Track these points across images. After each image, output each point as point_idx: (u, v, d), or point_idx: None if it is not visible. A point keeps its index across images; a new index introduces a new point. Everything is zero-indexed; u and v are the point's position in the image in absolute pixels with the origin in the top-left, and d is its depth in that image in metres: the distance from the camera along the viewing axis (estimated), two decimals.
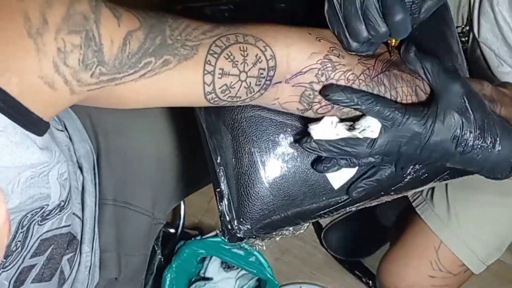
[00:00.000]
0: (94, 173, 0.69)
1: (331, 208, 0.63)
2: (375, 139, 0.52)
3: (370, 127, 0.53)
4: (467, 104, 0.52)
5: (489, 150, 0.53)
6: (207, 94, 0.49)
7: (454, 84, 0.52)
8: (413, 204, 0.97)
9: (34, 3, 0.39)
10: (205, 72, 0.47)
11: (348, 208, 0.64)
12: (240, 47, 0.49)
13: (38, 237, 0.52)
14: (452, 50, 0.65)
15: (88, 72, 0.42)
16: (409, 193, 0.68)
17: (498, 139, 0.53)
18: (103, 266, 0.69)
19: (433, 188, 0.96)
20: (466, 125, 0.52)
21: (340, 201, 0.62)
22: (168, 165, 0.81)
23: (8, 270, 0.48)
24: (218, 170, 0.60)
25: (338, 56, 0.52)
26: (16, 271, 0.50)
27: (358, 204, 0.64)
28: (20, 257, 0.49)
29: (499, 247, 0.95)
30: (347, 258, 1.46)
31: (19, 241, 0.47)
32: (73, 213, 0.62)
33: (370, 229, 1.45)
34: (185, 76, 0.47)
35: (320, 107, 0.54)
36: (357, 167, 0.58)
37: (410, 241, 0.96)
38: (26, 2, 0.39)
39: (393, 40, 0.54)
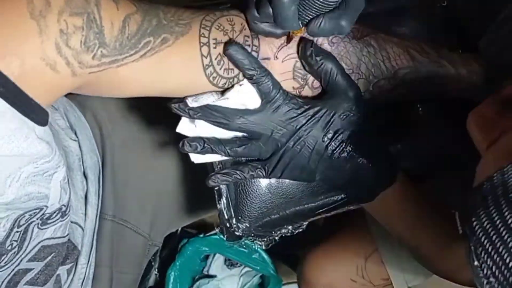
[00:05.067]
0: (99, 185, 0.69)
1: (329, 207, 0.62)
2: (249, 110, 0.52)
3: (248, 94, 0.51)
4: (352, 112, 0.52)
5: (359, 161, 0.54)
6: (206, 68, 0.50)
7: (348, 90, 0.52)
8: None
9: None
10: (201, 44, 0.49)
11: (346, 207, 0.64)
12: (227, 19, 0.51)
13: (39, 242, 0.52)
14: None
15: (90, 53, 0.42)
16: None
17: (369, 155, 0.54)
18: (95, 280, 0.68)
19: None
20: (342, 130, 0.53)
21: (338, 199, 0.62)
22: (171, 191, 0.80)
23: (3, 270, 0.48)
24: (216, 169, 0.60)
25: None
26: (11, 272, 0.50)
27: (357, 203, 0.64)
28: (17, 259, 0.49)
29: (427, 273, 0.94)
30: (281, 251, 1.44)
31: (15, 240, 0.47)
32: (76, 223, 0.62)
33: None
34: (183, 51, 0.48)
35: (315, 79, 0.54)
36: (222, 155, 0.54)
37: (344, 240, 0.96)
38: None
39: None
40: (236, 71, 0.51)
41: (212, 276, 1.31)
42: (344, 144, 0.53)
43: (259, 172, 0.54)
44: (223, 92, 0.52)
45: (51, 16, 0.40)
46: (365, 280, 0.94)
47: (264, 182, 0.60)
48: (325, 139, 0.53)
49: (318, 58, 0.51)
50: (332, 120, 0.52)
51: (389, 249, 0.91)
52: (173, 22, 0.48)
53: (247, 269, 1.32)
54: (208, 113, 0.51)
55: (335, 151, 0.53)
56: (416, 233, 0.61)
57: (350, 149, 0.53)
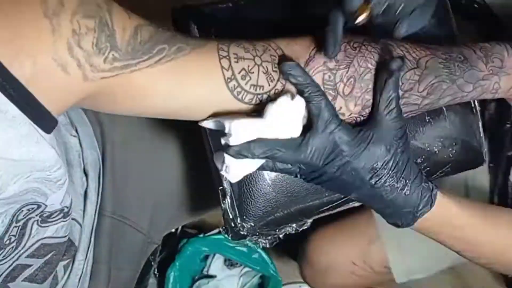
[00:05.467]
0: (99, 182, 0.68)
1: (334, 204, 0.63)
2: (301, 143, 0.51)
3: (291, 120, 0.50)
4: (398, 144, 0.53)
5: (398, 192, 0.54)
6: (228, 81, 0.49)
7: (397, 122, 0.53)
8: None
9: None
10: (220, 56, 0.48)
11: (351, 204, 0.65)
12: (246, 41, 0.51)
13: (39, 240, 0.51)
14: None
15: (101, 56, 0.42)
16: None
17: (409, 184, 0.54)
18: (93, 276, 0.68)
19: None
20: (387, 161, 0.53)
21: (342, 197, 0.62)
22: (171, 188, 0.80)
23: (1, 264, 0.48)
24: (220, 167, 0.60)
25: None
26: (9, 267, 0.50)
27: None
28: (16, 254, 0.49)
29: (429, 268, 0.94)
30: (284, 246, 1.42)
31: (13, 235, 0.47)
32: (75, 219, 0.62)
33: None
34: (201, 61, 0.48)
35: (344, 85, 0.54)
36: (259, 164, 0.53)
37: (349, 223, 0.96)
38: None
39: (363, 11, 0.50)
40: (266, 88, 0.51)
41: (212, 276, 1.30)
42: (387, 176, 0.53)
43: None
44: (259, 112, 0.50)
45: (64, 15, 0.40)
46: (366, 265, 0.94)
47: (268, 181, 0.60)
48: (370, 171, 0.53)
49: (388, 84, 0.51)
50: (379, 150, 0.52)
51: (392, 239, 0.91)
52: (188, 37, 0.48)
53: (247, 269, 1.32)
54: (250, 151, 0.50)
55: (377, 182, 0.53)
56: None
57: (392, 181, 0.54)
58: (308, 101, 0.51)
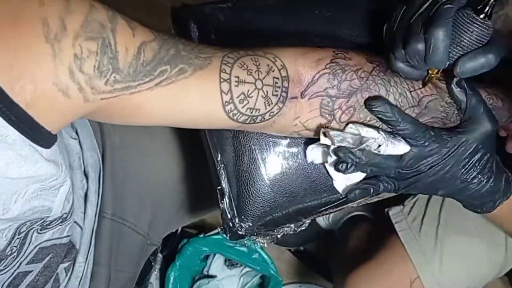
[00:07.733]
0: (99, 184, 0.68)
1: (332, 205, 0.63)
2: (402, 155, 0.55)
3: (377, 139, 0.54)
4: (486, 144, 0.56)
5: (482, 184, 0.57)
6: (225, 105, 0.49)
7: (488, 124, 0.55)
8: (396, 226, 0.96)
9: (54, 10, 0.39)
10: (221, 80, 0.48)
11: (350, 205, 0.65)
12: (251, 58, 0.50)
13: (37, 245, 0.51)
14: None
15: (103, 79, 0.41)
16: None
17: (493, 176, 0.58)
18: (93, 278, 0.68)
19: (422, 221, 0.96)
20: (477, 159, 0.56)
21: (341, 197, 0.62)
22: (171, 190, 0.80)
23: (3, 274, 0.48)
24: (218, 168, 0.60)
25: (344, 59, 0.53)
26: (11, 276, 0.50)
27: (358, 201, 0.64)
28: (17, 263, 0.49)
29: None
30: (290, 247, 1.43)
31: (15, 246, 0.47)
32: (75, 222, 0.62)
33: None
34: (201, 85, 0.47)
35: (342, 112, 0.54)
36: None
37: (386, 262, 0.95)
38: (46, 8, 0.39)
39: (434, 70, 0.53)
40: (262, 111, 0.51)
41: (212, 276, 1.31)
42: (476, 172, 0.56)
43: (389, 187, 0.58)
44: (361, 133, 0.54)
45: (66, 40, 0.39)
46: None
47: (266, 181, 0.60)
48: (463, 170, 0.56)
49: (468, 93, 0.54)
50: (473, 151, 0.55)
51: (431, 276, 0.91)
52: (192, 54, 0.47)
53: (247, 269, 1.32)
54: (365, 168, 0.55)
55: (467, 177, 0.57)
56: None
57: (479, 176, 0.57)
58: (398, 131, 0.54)
